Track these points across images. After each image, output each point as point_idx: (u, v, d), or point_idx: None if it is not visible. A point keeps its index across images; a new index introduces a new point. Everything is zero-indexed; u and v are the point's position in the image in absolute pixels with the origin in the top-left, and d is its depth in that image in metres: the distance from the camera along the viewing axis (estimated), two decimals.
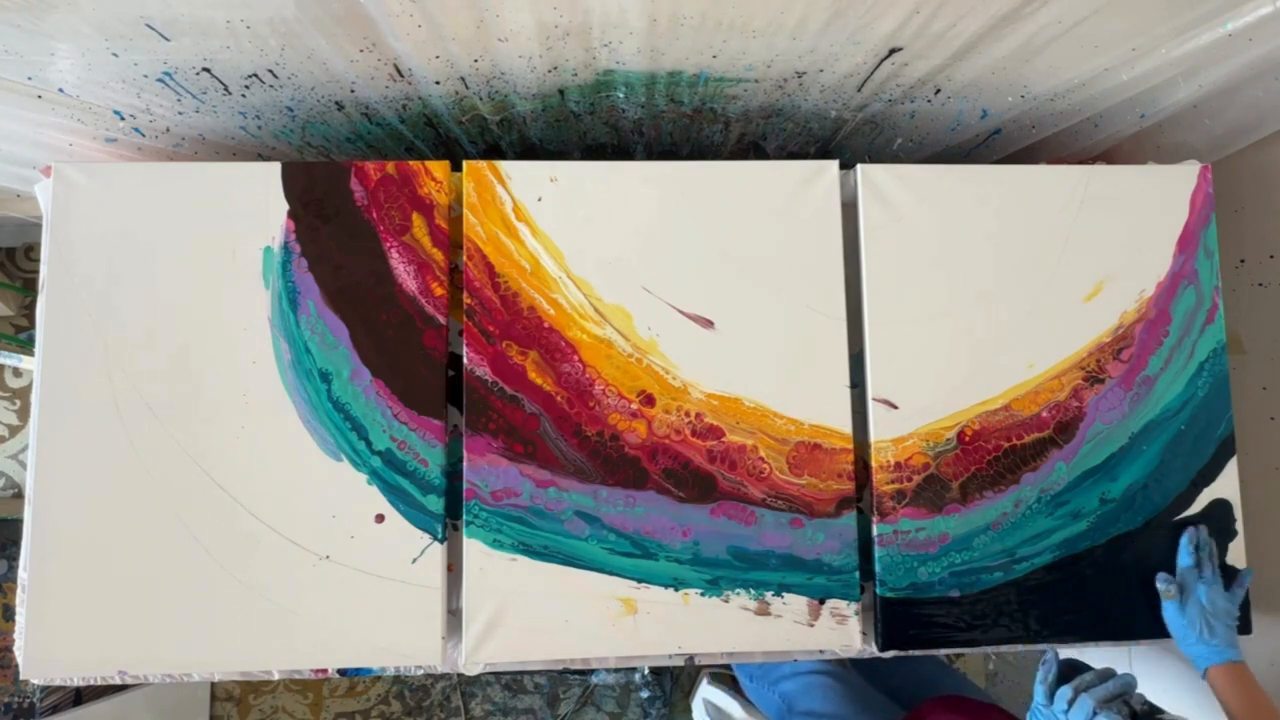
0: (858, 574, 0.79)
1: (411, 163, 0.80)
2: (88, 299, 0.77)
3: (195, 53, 0.75)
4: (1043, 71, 0.83)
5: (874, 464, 0.79)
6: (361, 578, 0.76)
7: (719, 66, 0.84)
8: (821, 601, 0.78)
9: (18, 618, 0.76)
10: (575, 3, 0.70)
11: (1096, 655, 1.00)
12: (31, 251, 1.46)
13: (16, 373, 1.45)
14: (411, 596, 0.76)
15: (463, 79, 0.85)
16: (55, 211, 0.77)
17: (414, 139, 1.02)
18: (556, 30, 0.75)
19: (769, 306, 0.80)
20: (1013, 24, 0.74)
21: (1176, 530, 0.81)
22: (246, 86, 0.83)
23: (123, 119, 0.87)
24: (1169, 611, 0.76)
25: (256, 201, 0.79)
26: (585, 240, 0.80)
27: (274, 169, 0.79)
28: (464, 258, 0.79)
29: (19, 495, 1.43)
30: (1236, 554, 0.82)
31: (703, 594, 0.78)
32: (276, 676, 0.80)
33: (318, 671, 0.78)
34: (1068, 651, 0.83)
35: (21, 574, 0.76)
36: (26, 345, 1.25)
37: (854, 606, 0.79)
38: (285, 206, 0.79)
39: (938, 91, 0.89)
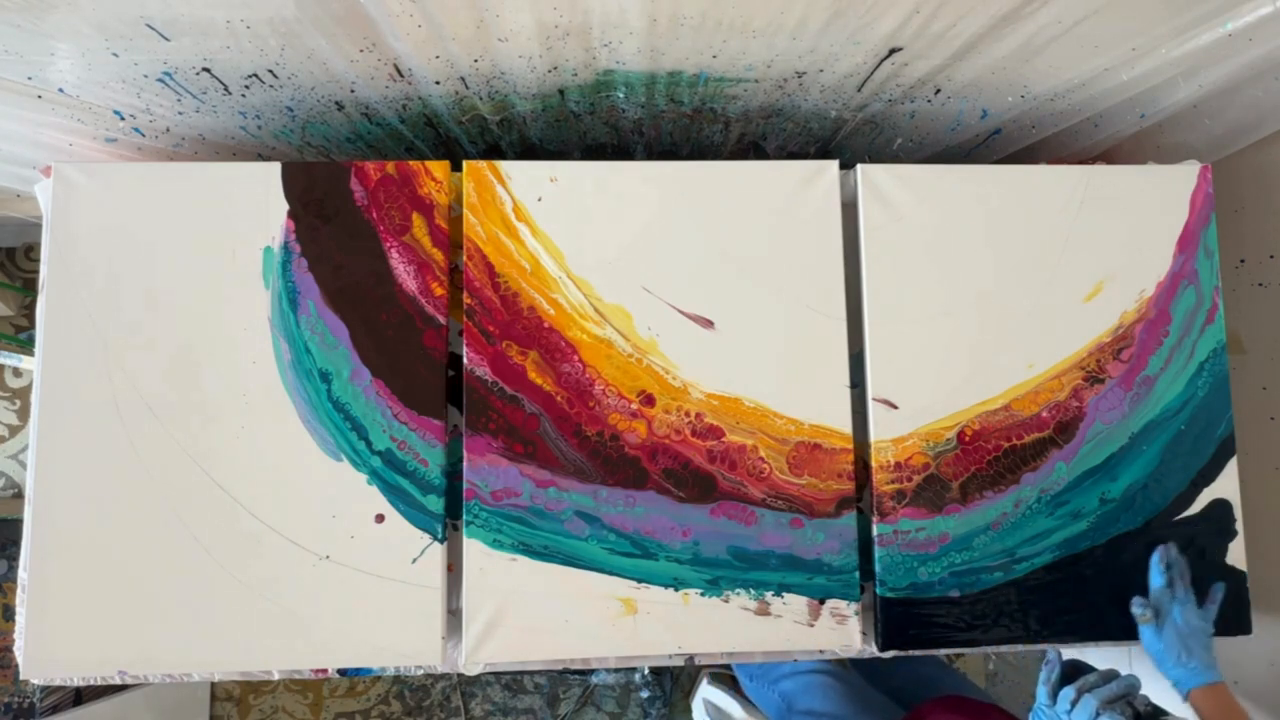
0: (858, 574, 0.79)
1: (411, 163, 0.80)
2: (88, 299, 0.77)
3: (195, 53, 0.75)
4: (1043, 71, 0.83)
5: (874, 464, 0.79)
6: (361, 578, 0.76)
7: (719, 66, 0.84)
8: (821, 601, 0.78)
9: (18, 618, 0.76)
10: (575, 3, 0.70)
11: (1096, 656, 0.99)
12: (31, 251, 1.46)
13: (16, 373, 1.45)
14: (411, 596, 0.76)
15: (463, 79, 0.85)
16: (55, 211, 0.77)
17: (414, 139, 1.02)
18: (556, 30, 0.75)
19: (769, 306, 0.80)
20: (1013, 24, 0.74)
21: (1177, 530, 0.81)
22: (246, 86, 0.83)
23: (123, 119, 0.87)
24: (1146, 636, 0.75)
25: (256, 201, 0.79)
26: (585, 240, 0.80)
27: (274, 169, 0.79)
28: (464, 258, 0.79)
29: (19, 495, 1.43)
30: (1236, 554, 0.82)
31: (703, 594, 0.78)
32: (276, 676, 0.80)
33: (318, 671, 0.78)
34: (1068, 652, 0.83)
35: (21, 574, 0.76)
36: (26, 345, 1.25)
37: (854, 606, 0.79)
38: (285, 206, 0.79)
39: (938, 91, 0.89)
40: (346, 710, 1.45)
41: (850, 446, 0.80)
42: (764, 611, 0.78)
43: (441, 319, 0.79)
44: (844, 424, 0.80)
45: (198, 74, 0.80)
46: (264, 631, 0.75)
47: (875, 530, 0.79)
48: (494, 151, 1.08)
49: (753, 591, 0.78)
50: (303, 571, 0.76)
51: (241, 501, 0.76)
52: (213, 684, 1.42)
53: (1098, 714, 0.64)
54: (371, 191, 0.79)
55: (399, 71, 0.83)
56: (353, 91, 0.87)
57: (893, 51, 0.80)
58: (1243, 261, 0.99)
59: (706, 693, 1.32)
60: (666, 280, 0.80)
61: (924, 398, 0.80)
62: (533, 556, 0.77)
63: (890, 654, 0.80)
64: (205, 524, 0.75)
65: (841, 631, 0.79)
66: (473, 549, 0.76)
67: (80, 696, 1.17)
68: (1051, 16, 0.72)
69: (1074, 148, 1.01)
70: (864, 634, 0.81)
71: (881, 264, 0.81)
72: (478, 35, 0.75)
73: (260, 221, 0.79)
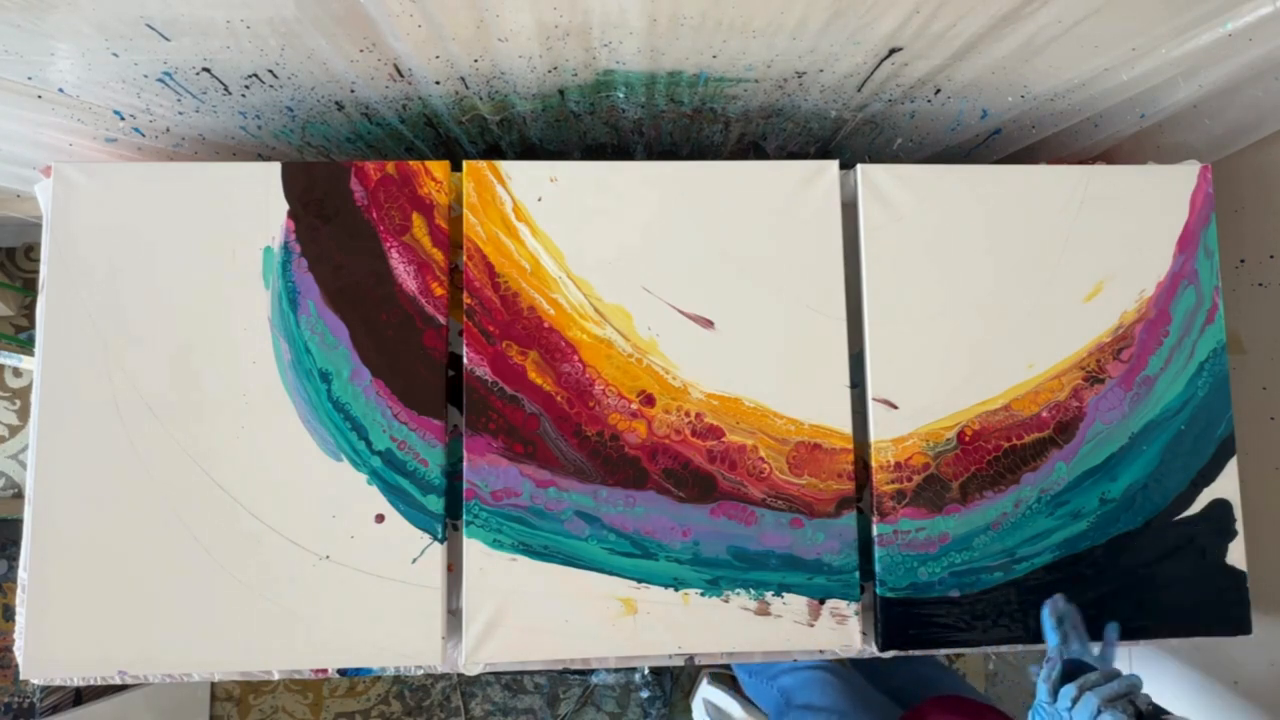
0: (858, 574, 0.79)
1: (411, 163, 0.80)
2: (88, 299, 0.77)
3: (195, 53, 0.75)
4: (1043, 71, 0.83)
5: (874, 464, 0.79)
6: (361, 578, 0.76)
7: (719, 66, 0.84)
8: (821, 601, 0.78)
9: (18, 618, 0.76)
10: (575, 3, 0.70)
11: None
12: (31, 251, 1.46)
13: (16, 373, 1.45)
14: (411, 596, 0.76)
15: (463, 79, 0.85)
16: (55, 211, 0.77)
17: (414, 139, 1.02)
18: (556, 30, 0.75)
19: (769, 306, 0.80)
20: (1013, 24, 0.74)
21: (1177, 530, 0.81)
22: (246, 86, 0.83)
23: (123, 119, 0.87)
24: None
25: (256, 201, 0.79)
26: (585, 240, 0.80)
27: (274, 169, 0.79)
28: (464, 258, 0.79)
29: (19, 495, 1.43)
30: (1236, 554, 0.82)
31: (703, 594, 0.78)
32: (276, 676, 0.80)
33: (318, 671, 0.78)
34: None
35: (21, 574, 0.76)
36: (26, 345, 1.25)
37: (854, 606, 0.79)
38: (285, 206, 0.79)
39: (938, 91, 0.89)
40: (346, 710, 1.45)
41: (850, 446, 0.80)
42: (764, 611, 0.78)
43: (441, 319, 0.79)
44: (844, 424, 0.80)
45: (198, 74, 0.80)
46: (264, 631, 0.75)
47: (875, 530, 0.79)
48: (494, 151, 1.08)
49: (753, 591, 0.78)
50: (303, 571, 0.76)
51: (241, 501, 0.76)
52: (213, 684, 1.42)
53: (1099, 712, 0.64)
54: (371, 191, 0.79)
55: (399, 71, 0.83)
56: (353, 91, 0.87)
57: (893, 51, 0.80)
58: (1243, 261, 0.99)
59: (706, 693, 1.32)
60: (666, 280, 0.80)
61: (924, 398, 0.80)
62: (533, 556, 0.77)
63: (890, 654, 0.80)
64: (205, 524, 0.75)
65: (841, 631, 0.78)
66: (473, 549, 0.76)
67: (80, 696, 1.17)
68: (1051, 16, 0.72)
69: (1074, 148, 1.01)
70: (864, 634, 0.81)
71: (881, 264, 0.81)
72: (478, 35, 0.75)
73: (260, 221, 0.79)
